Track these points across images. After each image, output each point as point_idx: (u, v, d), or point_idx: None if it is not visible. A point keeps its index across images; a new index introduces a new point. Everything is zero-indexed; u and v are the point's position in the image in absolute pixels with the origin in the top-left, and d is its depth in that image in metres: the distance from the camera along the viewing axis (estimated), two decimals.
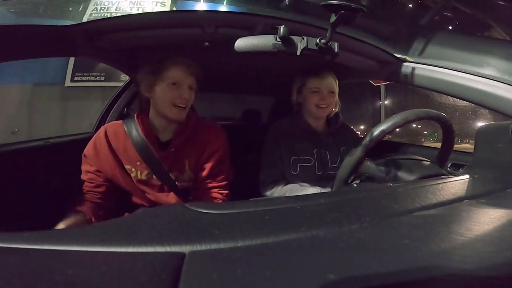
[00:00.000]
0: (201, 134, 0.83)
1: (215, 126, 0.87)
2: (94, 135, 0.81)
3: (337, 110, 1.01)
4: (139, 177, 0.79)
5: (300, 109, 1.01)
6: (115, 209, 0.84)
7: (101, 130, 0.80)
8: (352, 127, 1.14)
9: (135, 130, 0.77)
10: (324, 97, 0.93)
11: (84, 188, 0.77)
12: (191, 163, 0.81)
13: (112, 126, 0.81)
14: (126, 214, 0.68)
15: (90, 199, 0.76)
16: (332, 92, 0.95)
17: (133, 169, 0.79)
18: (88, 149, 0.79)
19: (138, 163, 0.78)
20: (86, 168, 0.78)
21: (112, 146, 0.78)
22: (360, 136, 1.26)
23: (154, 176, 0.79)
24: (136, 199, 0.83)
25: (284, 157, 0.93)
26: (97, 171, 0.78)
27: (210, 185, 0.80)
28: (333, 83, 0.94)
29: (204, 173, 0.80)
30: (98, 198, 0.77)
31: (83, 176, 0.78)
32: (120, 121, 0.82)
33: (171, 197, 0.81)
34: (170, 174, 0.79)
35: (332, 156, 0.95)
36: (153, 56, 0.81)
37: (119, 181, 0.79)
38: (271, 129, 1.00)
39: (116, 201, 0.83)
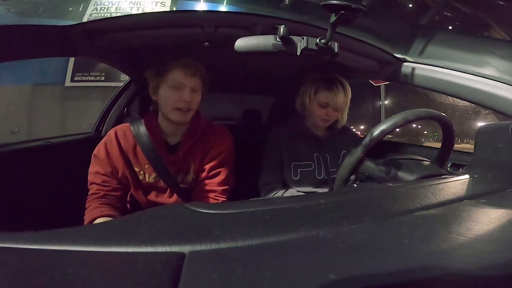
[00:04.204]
0: (208, 137, 0.82)
1: (223, 130, 0.86)
2: (105, 137, 0.80)
3: (343, 123, 0.99)
4: (147, 180, 0.79)
5: (304, 111, 0.98)
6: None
7: (111, 132, 0.80)
8: (352, 127, 1.14)
9: (143, 133, 0.75)
10: (330, 113, 0.92)
11: (98, 191, 0.75)
12: (195, 166, 0.80)
13: (122, 128, 0.80)
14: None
15: (110, 203, 0.74)
16: (339, 110, 0.93)
17: (142, 172, 0.79)
18: (99, 151, 0.77)
19: (147, 166, 0.77)
20: (97, 169, 0.76)
21: (123, 148, 0.77)
22: (360, 136, 1.25)
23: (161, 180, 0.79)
24: (139, 201, 0.83)
25: (285, 162, 0.93)
26: (111, 173, 0.77)
27: (208, 187, 0.80)
28: (343, 101, 0.91)
29: (205, 173, 0.80)
30: (117, 202, 0.76)
31: (95, 179, 0.76)
32: (128, 124, 0.81)
33: (174, 199, 0.81)
34: (176, 178, 0.79)
35: (333, 160, 0.94)
36: (153, 56, 0.81)
37: (128, 182, 0.79)
38: (272, 133, 0.99)
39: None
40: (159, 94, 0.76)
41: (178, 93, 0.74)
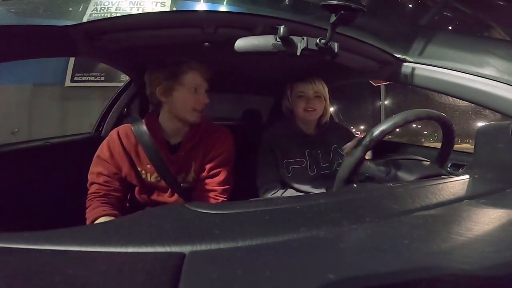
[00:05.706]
0: (209, 137, 0.83)
1: (224, 130, 0.88)
2: (107, 138, 0.81)
3: (327, 117, 1.01)
4: (149, 179, 0.80)
5: (292, 115, 1.02)
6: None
7: (114, 132, 0.81)
8: (352, 127, 1.13)
9: (145, 133, 0.77)
10: (310, 100, 0.94)
11: (99, 190, 0.75)
12: (196, 165, 0.81)
13: (124, 128, 0.81)
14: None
15: (111, 203, 0.75)
16: (319, 96, 0.95)
17: (143, 171, 0.79)
18: (103, 151, 0.78)
19: (148, 165, 0.78)
20: (100, 170, 0.77)
21: (125, 148, 0.78)
22: (353, 132, 1.25)
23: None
24: (140, 200, 0.84)
25: (278, 160, 0.94)
26: (114, 173, 0.77)
27: (208, 187, 0.80)
28: (320, 88, 0.95)
29: (205, 173, 0.81)
30: (117, 202, 0.77)
31: (96, 179, 0.76)
32: (129, 125, 0.81)
33: (174, 199, 0.81)
34: (177, 177, 0.80)
35: (324, 156, 0.96)
36: (153, 56, 0.81)
37: (133, 181, 0.80)
38: (264, 134, 1.01)
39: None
40: (173, 96, 0.77)
41: (197, 96, 0.77)
